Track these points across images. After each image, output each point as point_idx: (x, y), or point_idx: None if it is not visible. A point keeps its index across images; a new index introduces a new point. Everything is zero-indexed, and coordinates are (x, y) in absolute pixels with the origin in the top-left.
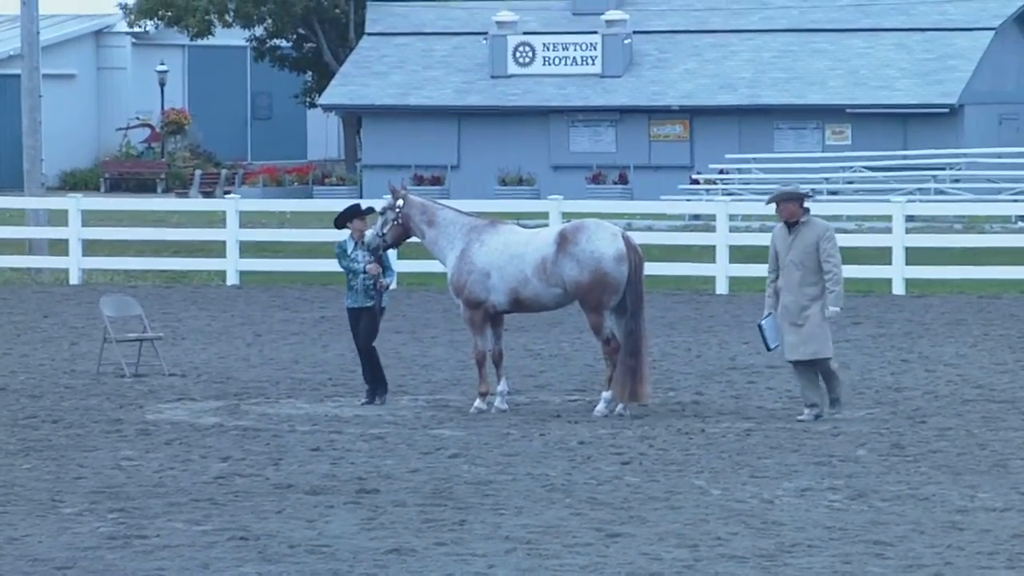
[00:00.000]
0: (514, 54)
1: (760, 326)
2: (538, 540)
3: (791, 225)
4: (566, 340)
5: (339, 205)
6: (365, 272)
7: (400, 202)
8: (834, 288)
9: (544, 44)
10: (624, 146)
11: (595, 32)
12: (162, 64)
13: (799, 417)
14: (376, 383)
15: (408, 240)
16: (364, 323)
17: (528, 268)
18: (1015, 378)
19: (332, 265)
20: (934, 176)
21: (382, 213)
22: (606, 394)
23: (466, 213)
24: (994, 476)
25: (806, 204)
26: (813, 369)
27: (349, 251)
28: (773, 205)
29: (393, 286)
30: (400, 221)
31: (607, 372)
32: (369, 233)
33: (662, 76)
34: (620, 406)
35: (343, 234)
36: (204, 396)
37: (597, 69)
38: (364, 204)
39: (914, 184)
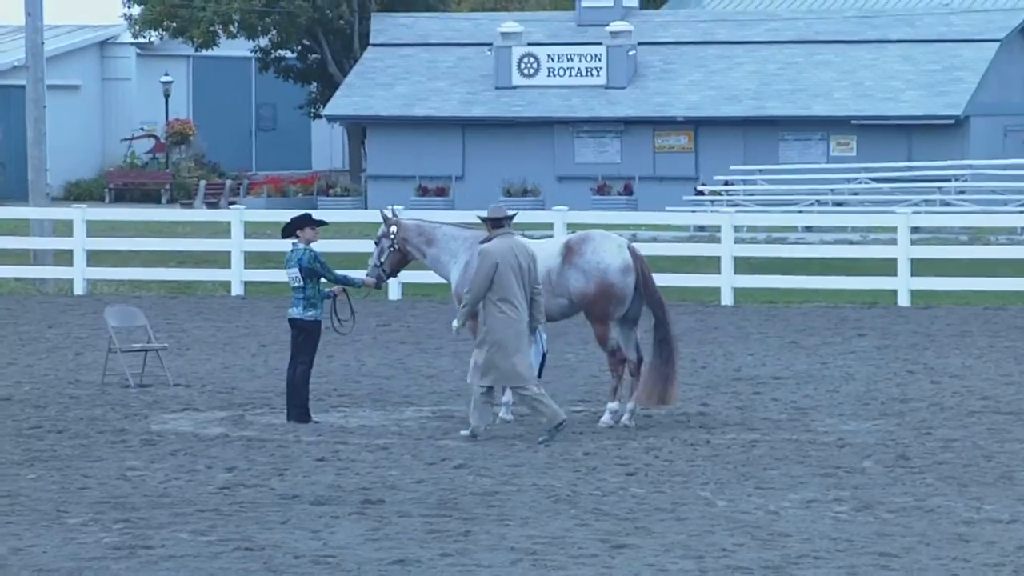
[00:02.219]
0: (519, 65)
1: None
2: (543, 551)
3: None
4: (571, 351)
5: (344, 216)
6: (361, 285)
7: (394, 228)
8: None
9: (549, 55)
10: (629, 157)
11: (600, 43)
12: (167, 75)
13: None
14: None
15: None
16: (317, 338)
17: None
18: (1021, 389)
19: None
20: (939, 188)
21: (377, 242)
22: (611, 405)
23: (465, 226)
24: (1000, 488)
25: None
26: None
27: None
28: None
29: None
30: (397, 247)
31: (612, 383)
32: (369, 267)
33: (667, 87)
34: (625, 416)
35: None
36: (209, 406)
37: (602, 80)
38: (315, 215)
39: (919, 196)
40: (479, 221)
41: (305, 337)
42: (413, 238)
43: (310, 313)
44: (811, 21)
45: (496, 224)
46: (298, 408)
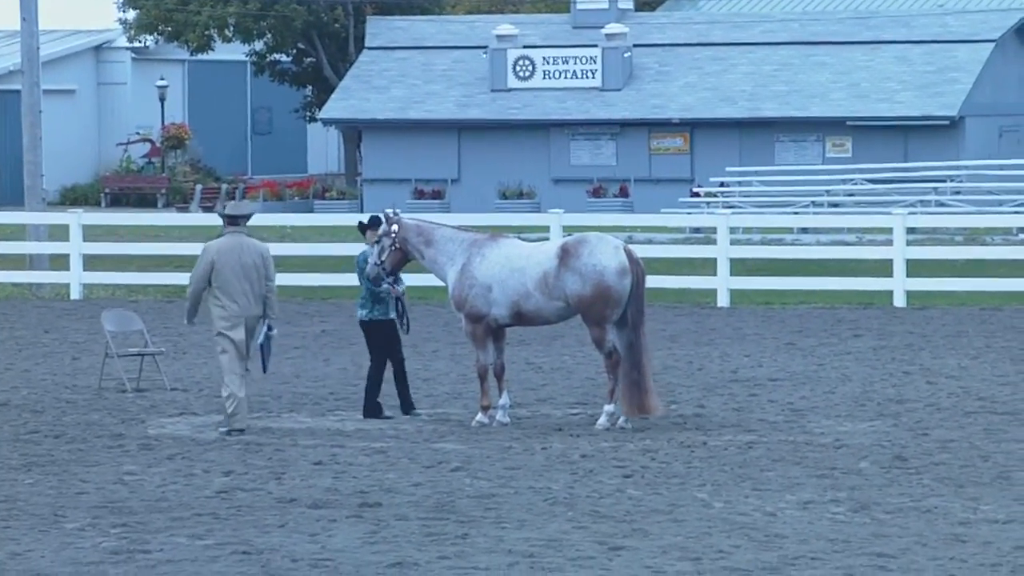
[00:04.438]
0: (514, 68)
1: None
2: (540, 554)
3: None
4: (568, 353)
5: (339, 219)
6: (388, 295)
7: (395, 227)
8: None
9: (544, 58)
10: (624, 159)
11: (595, 45)
12: (162, 79)
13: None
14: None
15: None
16: (395, 335)
17: (530, 282)
18: (1017, 390)
19: (333, 279)
20: (935, 188)
21: (377, 241)
22: (608, 407)
23: (463, 229)
24: (996, 488)
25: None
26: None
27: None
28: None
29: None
30: (397, 246)
31: (609, 385)
32: (369, 265)
33: (662, 89)
34: (622, 419)
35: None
36: (206, 410)
37: (597, 82)
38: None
39: (915, 196)
40: (478, 224)
41: (365, 337)
42: (412, 238)
43: (361, 313)
44: (806, 22)
45: (231, 221)
46: (368, 406)
